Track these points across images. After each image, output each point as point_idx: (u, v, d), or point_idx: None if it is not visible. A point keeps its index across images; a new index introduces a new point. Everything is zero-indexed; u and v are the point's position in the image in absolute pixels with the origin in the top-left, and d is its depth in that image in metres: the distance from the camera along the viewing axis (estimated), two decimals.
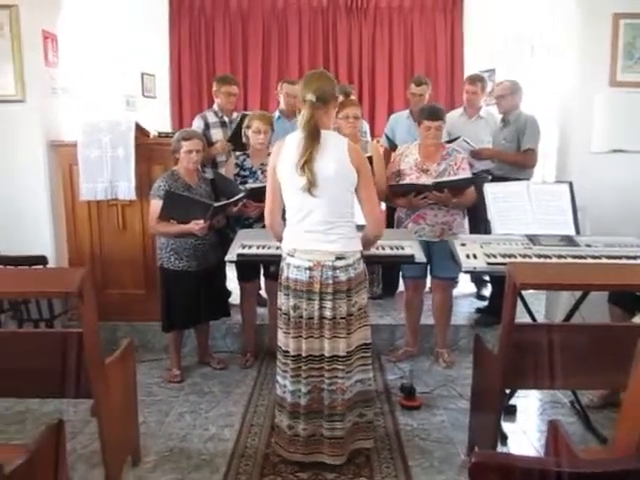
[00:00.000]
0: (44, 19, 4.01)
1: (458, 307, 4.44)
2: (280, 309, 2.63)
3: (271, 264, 3.46)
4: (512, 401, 3.15)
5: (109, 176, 3.83)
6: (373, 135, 5.43)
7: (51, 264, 3.81)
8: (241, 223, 3.64)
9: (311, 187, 2.41)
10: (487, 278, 4.73)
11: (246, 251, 3.15)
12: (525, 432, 3.05)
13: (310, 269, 2.49)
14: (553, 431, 1.89)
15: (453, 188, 3.50)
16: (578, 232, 3.32)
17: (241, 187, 3.53)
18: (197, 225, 3.31)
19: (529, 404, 3.36)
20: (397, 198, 3.67)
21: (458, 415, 3.18)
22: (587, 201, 3.66)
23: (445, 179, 3.52)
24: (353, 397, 2.62)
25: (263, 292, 4.12)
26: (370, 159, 3.33)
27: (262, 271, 3.87)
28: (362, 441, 2.70)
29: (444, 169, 3.59)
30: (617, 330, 2.52)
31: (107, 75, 5.12)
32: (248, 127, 3.62)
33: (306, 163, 2.39)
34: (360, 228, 2.63)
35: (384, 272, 4.78)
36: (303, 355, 2.55)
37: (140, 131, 3.93)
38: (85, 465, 2.68)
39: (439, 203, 3.56)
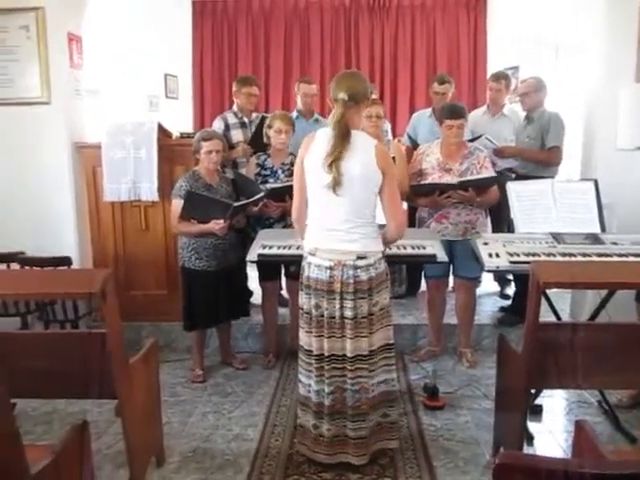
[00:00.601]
0: (69, 21, 4.07)
1: (481, 306, 4.40)
2: (302, 308, 2.63)
3: (292, 264, 3.46)
4: (538, 401, 3.11)
5: (132, 177, 3.87)
6: (395, 134, 5.41)
7: (75, 265, 3.86)
8: (262, 223, 3.65)
9: (336, 186, 2.40)
10: (511, 277, 4.68)
11: (267, 251, 3.16)
12: (551, 432, 3.01)
13: (331, 268, 2.48)
14: (580, 431, 1.87)
15: (477, 187, 3.46)
16: (604, 230, 3.27)
17: (262, 187, 3.54)
18: (217, 225, 3.33)
19: (555, 404, 3.31)
20: (419, 197, 3.64)
21: (482, 415, 3.15)
22: (613, 199, 3.60)
23: (470, 178, 3.49)
24: (377, 397, 2.61)
25: (285, 292, 4.12)
26: (393, 159, 3.32)
27: (283, 271, 3.88)
28: (387, 441, 2.69)
29: (467, 168, 3.56)
30: None
31: (131, 76, 5.18)
32: (270, 127, 3.63)
33: (334, 162, 2.38)
34: (382, 228, 2.61)
35: (408, 272, 4.76)
36: (326, 355, 2.55)
37: (162, 132, 3.96)
38: (110, 465, 2.70)
39: (463, 202, 3.53)
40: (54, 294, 2.36)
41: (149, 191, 3.88)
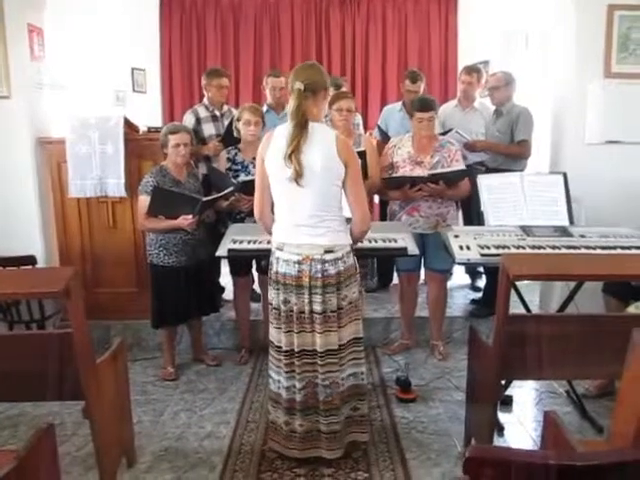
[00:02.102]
0: (29, 11, 3.94)
1: (453, 299, 4.44)
2: (271, 304, 2.61)
3: (262, 259, 3.43)
4: (508, 392, 3.13)
5: (98, 173, 3.78)
6: (366, 127, 5.40)
7: (41, 263, 3.78)
8: (233, 218, 3.61)
9: (298, 177, 2.38)
10: (481, 269, 4.72)
11: (237, 246, 3.13)
12: (522, 422, 3.05)
13: (299, 263, 2.47)
14: (549, 422, 1.88)
15: (447, 180, 3.48)
16: (572, 223, 3.31)
17: (234, 181, 3.50)
18: (186, 220, 3.28)
19: (525, 394, 3.35)
20: (390, 190, 3.65)
21: (454, 407, 3.17)
22: (581, 192, 3.65)
23: (440, 171, 3.51)
24: (346, 391, 2.60)
25: (257, 287, 4.09)
26: (364, 153, 3.31)
27: (255, 266, 3.85)
28: (357, 434, 2.69)
29: (438, 161, 3.57)
30: (610, 320, 2.50)
31: (96, 70, 5.05)
32: (238, 119, 3.59)
33: (293, 153, 2.35)
34: (349, 221, 2.60)
35: (379, 265, 4.77)
36: (296, 350, 2.53)
37: (129, 126, 3.89)
38: (79, 467, 2.65)
39: (434, 195, 3.54)
40: (17, 294, 2.29)
41: (116, 187, 3.80)
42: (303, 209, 2.45)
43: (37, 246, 3.94)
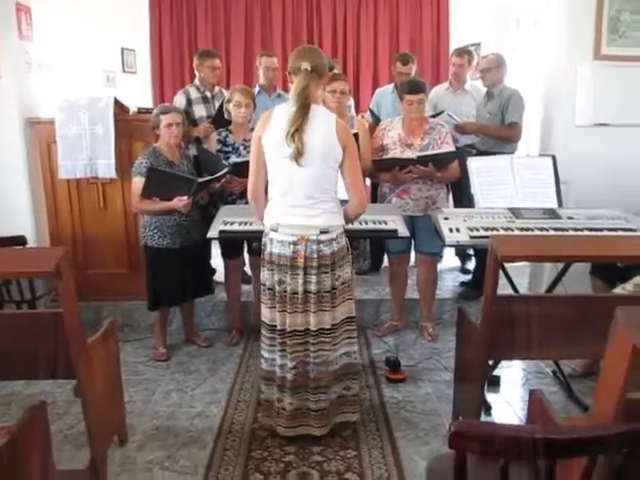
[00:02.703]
0: None
1: (442, 281, 4.47)
2: (264, 284, 2.62)
3: (253, 240, 3.44)
4: (496, 372, 3.18)
5: (88, 154, 3.76)
6: (358, 110, 5.39)
7: (31, 244, 3.77)
8: (224, 200, 3.61)
9: (298, 156, 2.38)
10: (471, 252, 4.75)
11: (228, 227, 3.13)
12: (509, 402, 3.10)
13: (294, 244, 2.48)
14: (534, 400, 1.91)
15: (437, 162, 3.49)
16: (561, 205, 3.34)
17: (225, 163, 3.49)
18: (181, 201, 3.27)
19: (513, 375, 3.40)
20: (381, 173, 3.65)
21: (443, 387, 3.21)
22: (571, 175, 3.68)
23: (429, 152, 3.51)
24: (339, 369, 2.64)
25: (247, 269, 4.11)
26: (356, 135, 3.31)
27: (246, 248, 3.86)
28: (348, 414, 2.72)
29: (428, 143, 3.58)
30: (596, 301, 2.54)
31: (86, 50, 5.00)
32: (229, 101, 3.58)
33: (296, 132, 2.35)
34: (344, 203, 2.61)
35: (371, 247, 4.79)
36: (287, 330, 2.55)
37: (119, 107, 3.86)
38: (71, 445, 2.68)
39: (423, 177, 3.55)
40: (7, 273, 2.29)
41: (106, 168, 3.78)
42: (299, 190, 2.45)
43: (27, 227, 3.93)
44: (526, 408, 2.90)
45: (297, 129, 2.36)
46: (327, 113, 2.50)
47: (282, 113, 2.44)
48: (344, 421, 2.73)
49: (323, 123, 2.42)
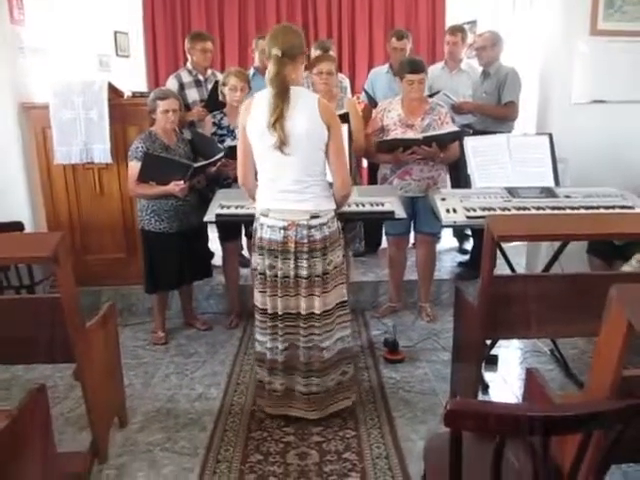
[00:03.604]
0: None
1: (440, 262, 4.47)
2: (255, 269, 2.62)
3: (250, 224, 3.43)
4: (493, 351, 3.20)
5: (83, 138, 3.74)
6: (354, 91, 5.35)
7: (29, 230, 3.76)
8: (220, 183, 3.60)
9: (282, 145, 2.36)
10: (469, 232, 4.76)
11: (224, 211, 3.12)
12: (506, 381, 3.12)
13: (285, 229, 2.47)
14: (530, 378, 1.93)
15: (441, 142, 3.47)
16: (558, 184, 3.33)
17: (220, 146, 3.47)
18: (177, 186, 3.27)
19: (510, 354, 3.42)
20: (382, 154, 3.63)
21: (441, 367, 3.24)
22: (568, 153, 3.67)
23: (435, 133, 3.48)
24: (335, 356, 2.64)
25: (245, 252, 4.11)
26: (347, 115, 3.29)
27: (244, 231, 3.86)
28: (342, 401, 2.73)
29: (428, 124, 3.56)
30: (593, 279, 2.54)
31: (78, 34, 4.93)
32: (224, 84, 3.55)
33: (277, 121, 2.33)
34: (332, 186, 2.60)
35: (366, 229, 4.78)
36: (279, 313, 2.56)
37: (114, 91, 3.83)
38: (73, 428, 2.70)
39: (427, 158, 3.53)
40: (5, 259, 2.29)
41: (102, 153, 3.76)
42: (288, 175, 2.44)
43: (24, 213, 3.92)
44: (522, 386, 2.98)
45: (277, 118, 2.32)
46: (308, 95, 2.48)
47: (263, 101, 2.40)
48: (337, 410, 2.74)
49: (305, 105, 2.38)
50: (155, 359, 3.43)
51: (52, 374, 3.19)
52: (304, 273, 2.50)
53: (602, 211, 2.96)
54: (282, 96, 2.34)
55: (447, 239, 5.02)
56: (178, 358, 3.44)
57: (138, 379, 3.18)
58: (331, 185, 2.56)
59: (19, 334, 2.24)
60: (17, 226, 3.46)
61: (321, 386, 2.62)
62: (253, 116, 2.43)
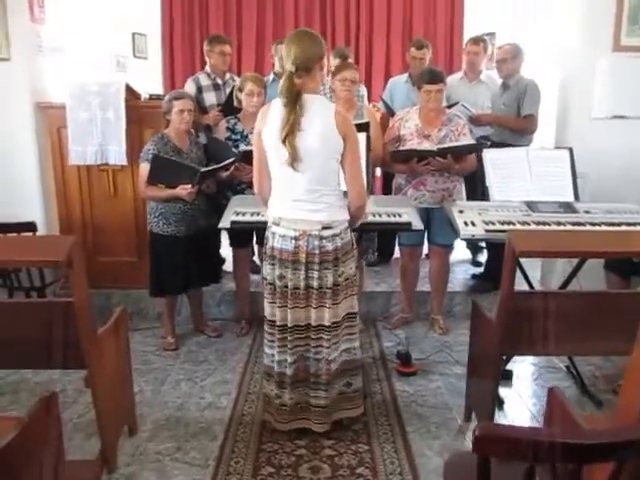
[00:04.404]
0: None
1: (453, 273, 4.42)
2: (265, 279, 2.57)
3: (264, 231, 3.39)
4: (508, 366, 3.15)
5: (99, 140, 3.72)
6: (370, 100, 5.32)
7: (41, 230, 3.74)
8: (233, 189, 3.57)
9: (294, 162, 2.33)
10: (483, 244, 4.70)
11: (240, 218, 3.09)
12: (521, 397, 3.07)
13: (296, 239, 2.43)
14: (553, 398, 1.88)
15: (455, 154, 3.43)
16: (577, 198, 3.28)
17: (235, 151, 3.45)
18: (184, 190, 3.24)
19: (525, 369, 3.37)
20: (397, 164, 3.60)
21: (454, 381, 3.19)
22: (587, 167, 3.62)
23: (449, 145, 3.45)
24: (339, 367, 2.59)
25: (256, 258, 4.07)
26: (367, 125, 3.26)
27: (255, 238, 3.82)
28: (347, 411, 2.68)
29: (445, 135, 3.52)
30: (614, 297, 2.50)
31: (96, 34, 4.93)
32: (240, 90, 3.53)
33: (287, 137, 2.29)
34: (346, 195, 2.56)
35: (379, 239, 4.74)
36: (289, 325, 2.52)
37: (131, 93, 3.81)
38: (81, 434, 2.66)
39: (441, 170, 3.49)
40: (19, 262, 2.27)
41: (117, 154, 3.75)
42: (302, 185, 2.40)
43: (37, 213, 3.90)
44: (539, 404, 2.94)
45: (288, 134, 2.29)
46: (325, 104, 2.43)
47: (278, 109, 2.37)
48: (347, 417, 2.69)
49: (321, 115, 2.34)
50: (165, 365, 3.39)
51: (60, 378, 3.16)
52: (315, 284, 2.45)
53: (624, 228, 2.91)
54: (293, 108, 2.30)
55: (460, 251, 4.97)
56: (188, 365, 3.40)
57: (148, 385, 3.14)
58: (345, 194, 2.52)
59: (29, 338, 2.22)
60: (30, 226, 3.45)
61: (328, 399, 2.58)
62: (268, 124, 2.40)
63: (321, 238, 2.42)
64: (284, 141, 2.30)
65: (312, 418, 2.60)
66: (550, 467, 1.29)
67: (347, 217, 2.51)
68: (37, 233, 3.54)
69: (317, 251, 2.42)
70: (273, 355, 2.60)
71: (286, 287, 2.49)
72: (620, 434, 1.23)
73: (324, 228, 2.42)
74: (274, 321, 2.56)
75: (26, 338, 2.20)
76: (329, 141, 2.35)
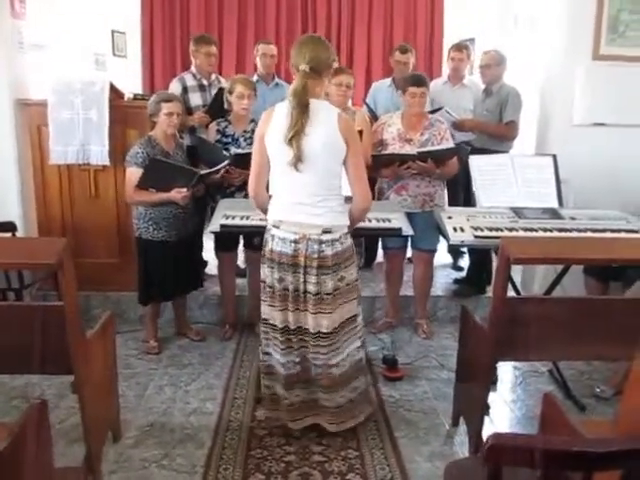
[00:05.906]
0: None
1: (435, 278, 4.40)
2: (264, 282, 2.55)
3: (254, 235, 3.36)
4: None
5: (81, 139, 3.63)
6: (352, 104, 5.31)
7: (21, 231, 3.64)
8: (222, 192, 3.52)
9: (298, 162, 2.33)
10: (464, 249, 4.74)
11: (229, 222, 3.05)
12: (506, 401, 3.09)
13: (296, 242, 2.42)
14: (547, 403, 1.89)
15: (436, 158, 3.45)
16: (561, 204, 3.34)
17: (225, 153, 3.40)
18: (179, 193, 3.18)
19: (507, 373, 3.39)
20: (380, 168, 3.60)
21: (440, 385, 3.19)
22: (568, 174, 3.66)
23: (429, 148, 3.48)
24: (347, 371, 2.58)
25: (241, 262, 4.03)
26: (361, 132, 3.26)
27: (242, 242, 3.78)
28: (356, 417, 2.68)
29: (427, 139, 3.54)
30: (604, 303, 2.53)
31: (76, 31, 4.82)
32: (230, 92, 3.49)
33: (294, 137, 2.29)
34: (348, 200, 2.55)
35: (366, 244, 4.74)
36: (292, 328, 2.50)
37: (114, 93, 3.74)
38: (64, 440, 2.58)
39: (422, 173, 3.51)
40: (6, 264, 2.19)
41: (99, 154, 3.66)
42: (304, 188, 2.39)
43: (15, 213, 3.79)
44: (524, 407, 2.98)
45: (294, 134, 2.29)
46: (330, 108, 2.43)
47: (283, 112, 2.37)
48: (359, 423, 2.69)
49: (325, 119, 2.35)
50: (148, 369, 3.33)
51: (39, 382, 3.08)
52: (312, 289, 2.44)
53: (609, 234, 2.96)
54: (302, 111, 2.30)
55: (441, 255, 4.98)
56: (172, 369, 3.34)
57: (131, 390, 3.07)
58: (347, 199, 2.51)
59: (14, 342, 2.14)
60: (9, 226, 3.35)
61: (335, 400, 2.56)
62: (273, 127, 2.39)
63: (320, 242, 2.41)
64: (290, 141, 2.29)
65: (323, 417, 2.60)
66: (558, 475, 1.30)
67: (347, 222, 2.50)
68: (17, 233, 3.44)
69: (316, 255, 2.41)
70: (276, 357, 2.57)
71: (286, 290, 2.47)
72: (630, 442, 1.24)
73: (324, 232, 2.41)
74: (275, 325, 2.53)
75: (13, 343, 2.12)
76: (332, 145, 2.35)
